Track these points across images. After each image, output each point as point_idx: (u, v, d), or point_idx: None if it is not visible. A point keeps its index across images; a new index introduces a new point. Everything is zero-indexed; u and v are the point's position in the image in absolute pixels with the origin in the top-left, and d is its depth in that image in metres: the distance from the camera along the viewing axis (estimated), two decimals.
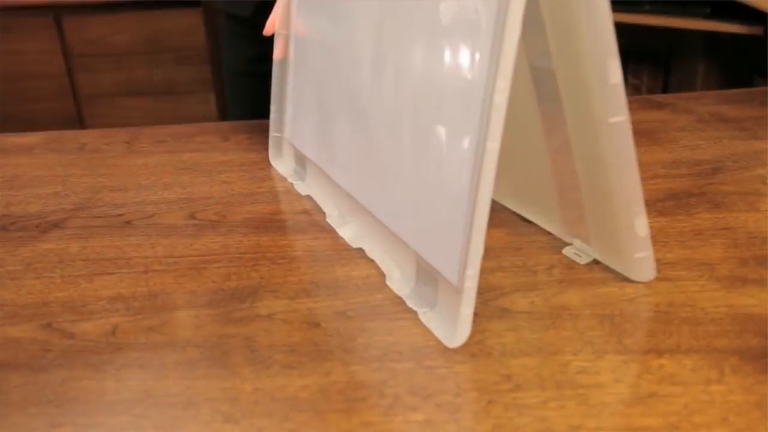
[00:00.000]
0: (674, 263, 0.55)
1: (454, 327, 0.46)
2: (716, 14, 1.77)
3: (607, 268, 0.54)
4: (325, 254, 0.59)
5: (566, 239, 0.58)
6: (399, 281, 0.54)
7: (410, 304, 0.51)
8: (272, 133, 0.79)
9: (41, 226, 0.66)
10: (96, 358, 0.47)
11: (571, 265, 0.55)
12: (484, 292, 0.52)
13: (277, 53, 0.76)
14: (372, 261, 0.57)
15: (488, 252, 0.57)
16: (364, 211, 0.60)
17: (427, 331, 0.48)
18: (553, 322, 0.49)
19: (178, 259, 0.59)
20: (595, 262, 0.55)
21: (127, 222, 0.66)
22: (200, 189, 0.73)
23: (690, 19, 1.79)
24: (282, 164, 0.78)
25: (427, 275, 0.51)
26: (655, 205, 0.64)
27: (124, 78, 2.30)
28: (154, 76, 2.31)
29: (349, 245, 0.60)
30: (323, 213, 0.66)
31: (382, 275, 0.55)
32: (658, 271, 0.53)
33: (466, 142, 0.44)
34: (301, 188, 0.72)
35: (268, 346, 0.47)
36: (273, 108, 0.78)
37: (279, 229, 0.64)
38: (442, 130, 0.47)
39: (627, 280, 0.53)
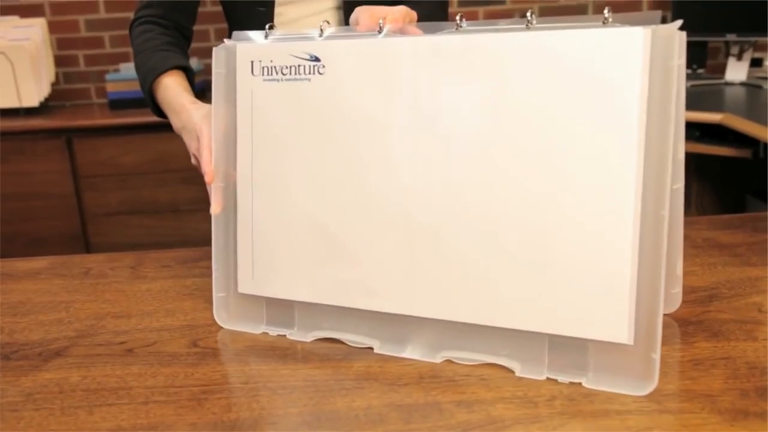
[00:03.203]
0: (675, 394, 0.55)
1: (643, 375, 0.55)
2: (705, 137, 1.84)
3: (607, 400, 0.54)
4: (326, 384, 0.59)
5: None
6: (528, 370, 0.58)
7: (563, 380, 0.57)
8: (217, 294, 0.71)
9: (43, 354, 0.66)
10: None
11: (572, 396, 0.55)
12: (484, 425, 0.52)
13: (215, 207, 0.70)
14: (374, 392, 0.57)
15: (488, 383, 0.57)
16: (430, 325, 0.62)
17: None
18: None
19: (179, 389, 0.59)
20: (594, 394, 0.55)
21: (129, 350, 0.66)
22: (203, 315, 0.73)
23: None
24: (241, 324, 0.70)
25: (566, 349, 0.58)
26: None
27: (130, 197, 2.35)
28: (159, 196, 2.36)
29: (350, 376, 0.60)
30: (325, 342, 0.66)
31: (385, 406, 0.55)
32: (659, 403, 0.53)
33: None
34: (296, 336, 0.67)
35: None
36: (215, 267, 0.71)
37: (280, 357, 0.64)
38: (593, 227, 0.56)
39: (628, 412, 0.53)
